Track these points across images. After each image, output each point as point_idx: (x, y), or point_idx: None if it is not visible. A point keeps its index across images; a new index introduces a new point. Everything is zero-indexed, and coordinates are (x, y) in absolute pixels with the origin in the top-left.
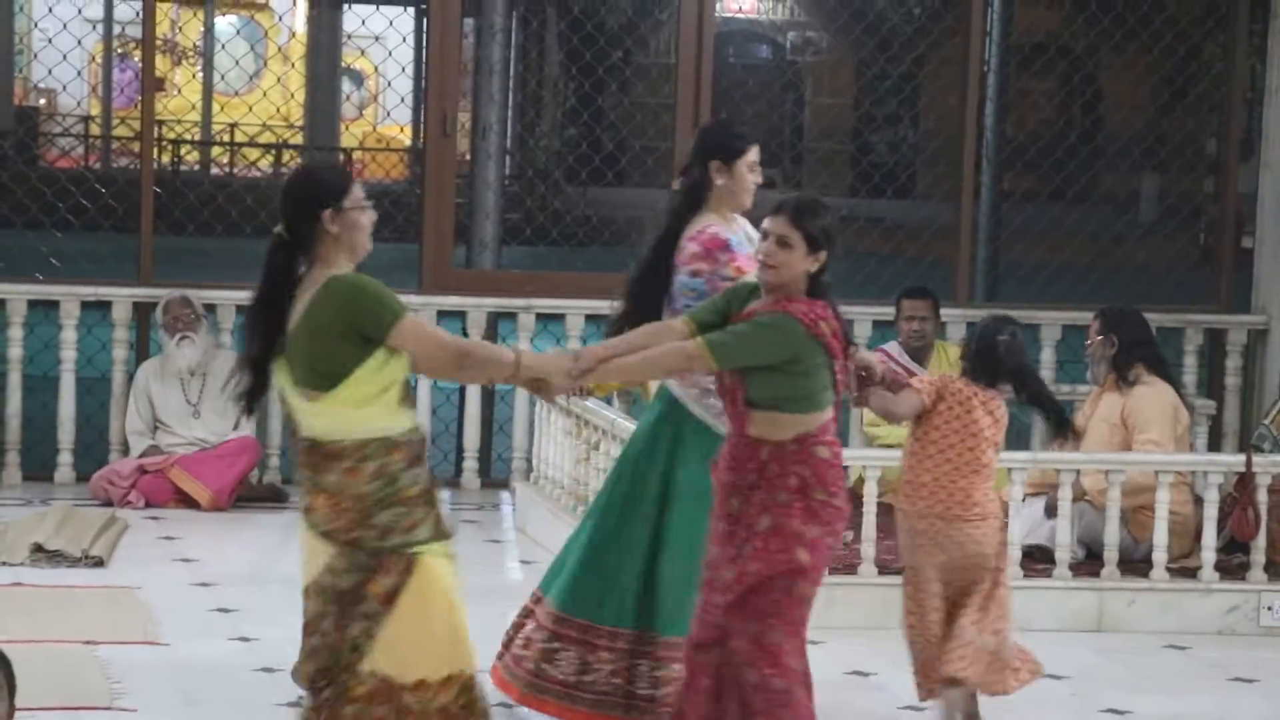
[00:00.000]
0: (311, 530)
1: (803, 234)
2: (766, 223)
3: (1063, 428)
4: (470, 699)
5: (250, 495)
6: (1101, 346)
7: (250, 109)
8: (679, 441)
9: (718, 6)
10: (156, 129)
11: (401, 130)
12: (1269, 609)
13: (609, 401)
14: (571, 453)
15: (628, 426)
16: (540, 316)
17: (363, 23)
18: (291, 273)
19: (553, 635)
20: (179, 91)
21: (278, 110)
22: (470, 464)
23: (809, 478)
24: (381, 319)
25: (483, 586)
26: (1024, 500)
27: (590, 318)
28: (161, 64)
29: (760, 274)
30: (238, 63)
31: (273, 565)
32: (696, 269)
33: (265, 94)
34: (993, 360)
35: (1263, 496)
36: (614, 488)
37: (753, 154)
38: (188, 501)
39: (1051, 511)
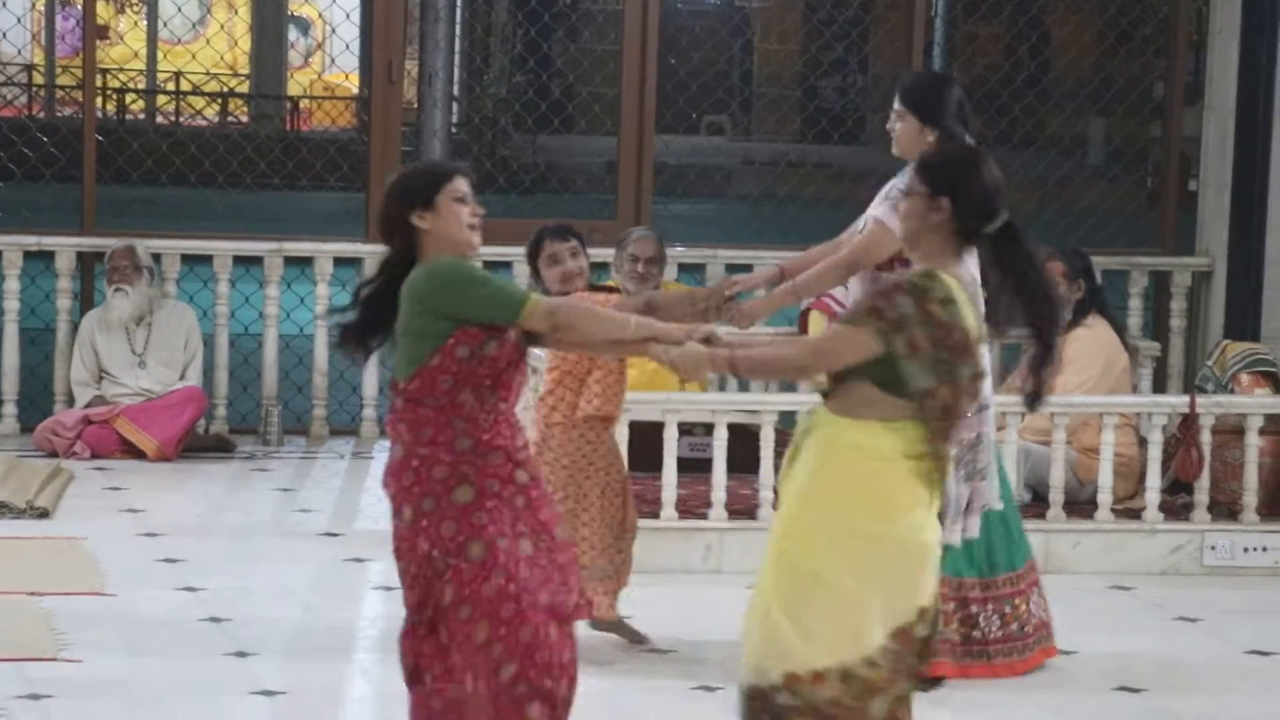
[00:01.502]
0: None
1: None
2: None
3: None
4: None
5: (197, 445)
6: (1069, 290)
7: (194, 57)
8: None
9: None
10: (100, 77)
11: (347, 77)
12: (1212, 549)
13: None
14: None
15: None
16: (487, 264)
17: None
18: None
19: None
20: (122, 39)
21: (221, 58)
22: (370, 412)
23: None
24: None
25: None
26: None
27: None
28: (104, 11)
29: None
30: (180, 10)
31: (220, 515)
32: None
33: (209, 41)
34: None
35: (1206, 437)
36: None
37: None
38: (134, 452)
39: None
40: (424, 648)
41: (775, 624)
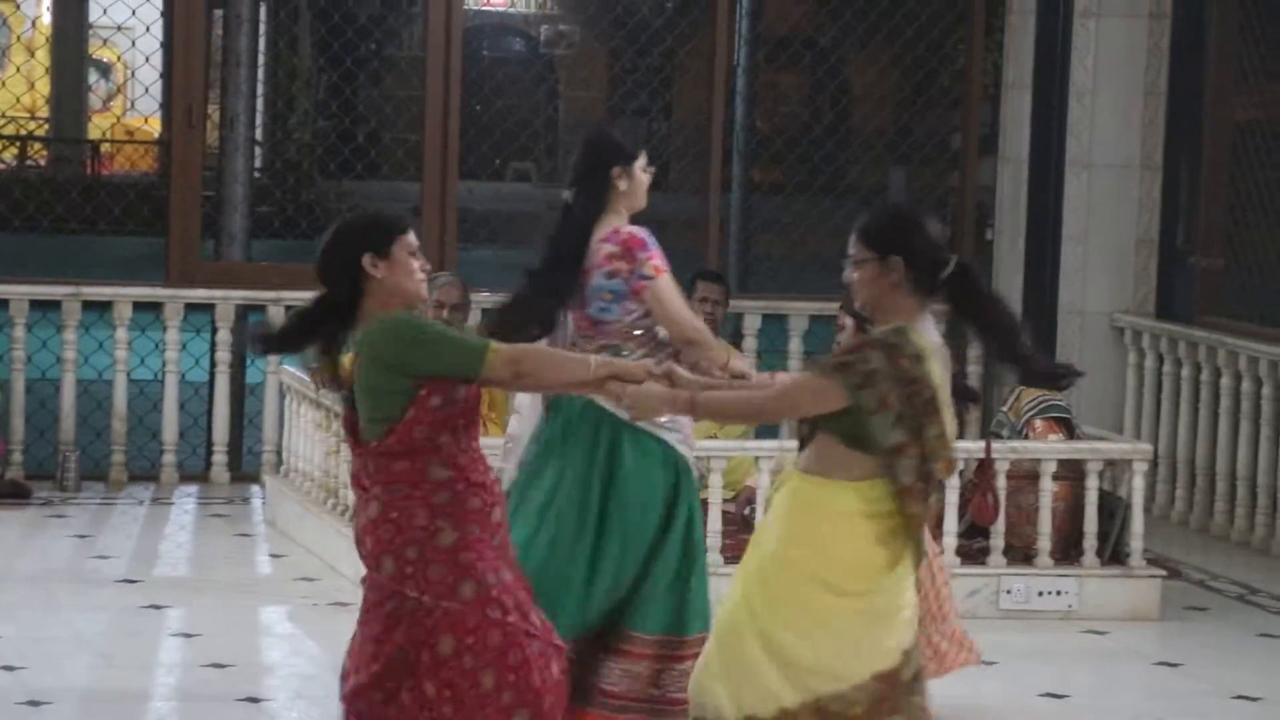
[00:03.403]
0: None
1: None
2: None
3: None
4: None
5: None
6: None
7: None
8: (616, 450)
9: (468, 0)
10: None
11: (147, 121)
12: (1008, 592)
13: None
14: (321, 445)
15: None
16: (289, 309)
17: (104, 12)
18: None
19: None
20: None
21: (19, 100)
22: (220, 457)
23: None
24: None
25: (232, 580)
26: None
27: None
28: None
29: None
30: None
31: (14, 562)
32: (614, 269)
33: (5, 84)
34: None
35: (1002, 482)
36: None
37: (644, 157)
38: None
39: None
40: (389, 711)
41: (753, 663)
